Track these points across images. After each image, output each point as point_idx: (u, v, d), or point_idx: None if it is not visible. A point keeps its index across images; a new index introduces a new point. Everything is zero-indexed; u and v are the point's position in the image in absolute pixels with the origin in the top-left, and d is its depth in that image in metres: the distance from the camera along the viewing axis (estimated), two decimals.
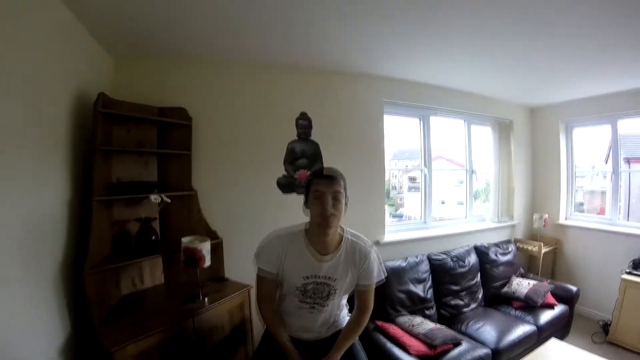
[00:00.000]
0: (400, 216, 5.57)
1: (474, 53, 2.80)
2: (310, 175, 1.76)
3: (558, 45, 2.59)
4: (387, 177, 3.80)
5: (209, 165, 2.75)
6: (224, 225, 2.68)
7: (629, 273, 3.63)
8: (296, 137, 3.01)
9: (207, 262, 2.16)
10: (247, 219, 2.88)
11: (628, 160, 4.36)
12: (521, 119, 4.88)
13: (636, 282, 3.50)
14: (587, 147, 4.84)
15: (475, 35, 2.42)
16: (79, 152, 2.04)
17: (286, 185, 2.97)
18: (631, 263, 3.72)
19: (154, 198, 2.18)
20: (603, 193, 5.18)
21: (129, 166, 2.39)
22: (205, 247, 2.15)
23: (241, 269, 2.43)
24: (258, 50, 2.64)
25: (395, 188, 5.81)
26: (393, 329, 2.85)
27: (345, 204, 1.67)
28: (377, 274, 1.80)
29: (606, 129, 4.41)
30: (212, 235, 2.49)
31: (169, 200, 2.25)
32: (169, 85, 2.66)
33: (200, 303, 2.14)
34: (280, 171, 2.92)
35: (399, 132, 4.16)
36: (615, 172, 4.32)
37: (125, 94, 2.40)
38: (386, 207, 3.84)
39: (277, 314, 1.82)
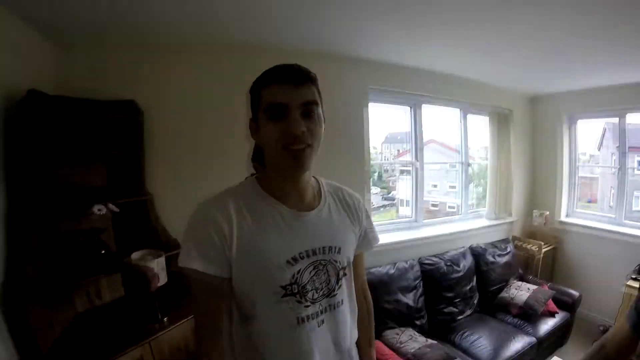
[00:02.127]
0: (392, 199, 5.52)
1: (471, 34, 2.57)
2: (258, 80, 1.00)
3: (563, 29, 2.39)
4: (378, 161, 3.57)
5: (167, 165, 2.49)
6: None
7: (635, 279, 3.44)
8: None
9: (162, 281, 1.96)
10: None
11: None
12: (521, 109, 4.70)
13: None
14: (580, 133, 4.73)
15: (471, 14, 2.21)
16: (14, 160, 1.82)
17: None
18: (638, 267, 3.54)
19: (98, 209, 1.95)
20: (594, 180, 5.09)
21: (73, 171, 2.12)
22: (160, 264, 1.94)
23: None
24: (224, 30, 2.37)
25: (387, 171, 5.67)
26: (379, 346, 2.65)
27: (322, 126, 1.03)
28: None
29: (612, 122, 4.24)
30: (172, 244, 2.29)
31: (116, 210, 2.03)
32: (118, 77, 2.37)
33: (159, 324, 1.98)
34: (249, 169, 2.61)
35: (389, 116, 4.03)
36: (622, 168, 4.14)
37: (70, 88, 2.13)
38: (378, 189, 3.65)
39: None
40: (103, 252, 2.06)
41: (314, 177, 1.16)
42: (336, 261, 1.08)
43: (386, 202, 5.03)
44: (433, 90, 3.72)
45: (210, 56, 2.62)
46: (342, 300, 1.11)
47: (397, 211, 5.83)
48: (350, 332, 1.16)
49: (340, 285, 1.10)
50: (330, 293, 1.07)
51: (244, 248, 0.96)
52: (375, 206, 4.60)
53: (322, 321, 1.06)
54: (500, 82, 4.12)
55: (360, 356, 1.27)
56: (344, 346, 1.13)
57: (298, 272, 1.01)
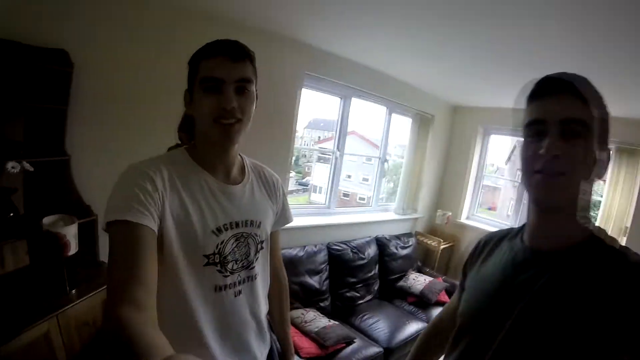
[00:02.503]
0: (305, 185, 5.56)
1: (406, 36, 2.69)
2: (197, 53, 1.04)
3: (488, 51, 2.62)
4: (298, 145, 3.65)
5: (89, 125, 2.30)
6: (102, 198, 2.29)
7: None
8: None
9: (73, 249, 1.86)
10: None
11: None
12: (442, 116, 5.02)
13: None
14: (491, 146, 5.21)
15: (408, 20, 2.34)
16: None
17: None
18: None
19: (11, 167, 1.79)
20: (498, 190, 5.63)
21: None
22: (71, 231, 1.83)
23: None
24: None
25: (305, 156, 5.74)
26: None
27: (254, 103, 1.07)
28: None
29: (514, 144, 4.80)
30: (84, 211, 2.17)
31: (31, 169, 1.88)
32: (51, 22, 2.12)
33: (67, 297, 1.84)
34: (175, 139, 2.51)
35: (316, 102, 4.04)
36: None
37: None
38: (293, 173, 3.71)
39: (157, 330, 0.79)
40: (11, 214, 1.88)
41: (239, 154, 1.19)
42: (256, 235, 1.14)
43: (299, 187, 5.10)
44: (365, 85, 3.84)
45: (151, 19, 2.46)
46: (258, 273, 1.16)
47: (310, 197, 5.95)
48: (264, 305, 1.23)
49: (258, 258, 1.15)
50: (249, 265, 1.12)
51: (173, 213, 0.96)
52: (288, 189, 4.71)
53: (240, 291, 1.10)
54: (428, 88, 4.39)
55: (275, 332, 1.37)
56: (259, 317, 1.19)
57: (222, 242, 1.04)
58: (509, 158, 5.99)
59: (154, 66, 2.50)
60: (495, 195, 5.46)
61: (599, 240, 0.77)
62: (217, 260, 1.04)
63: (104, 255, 2.24)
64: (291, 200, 4.40)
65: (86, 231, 2.08)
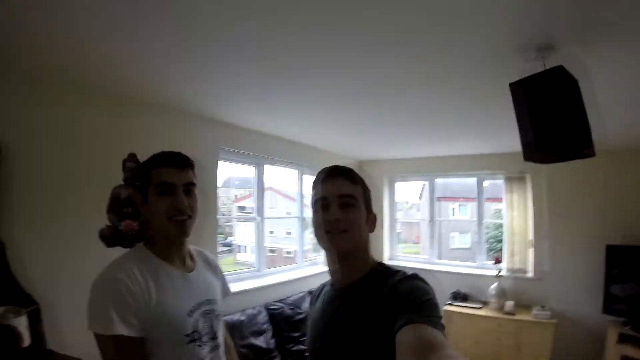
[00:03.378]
0: (229, 245, 5.53)
1: (314, 108, 3.07)
2: (145, 164, 1.33)
3: (383, 112, 3.10)
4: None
5: (23, 212, 2.27)
6: (43, 285, 2.24)
7: (450, 304, 4.60)
8: (122, 182, 2.61)
9: (27, 341, 1.81)
10: (72, 277, 2.34)
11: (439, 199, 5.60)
12: None
13: (457, 312, 4.47)
14: (399, 191, 5.91)
15: (315, 93, 2.69)
16: None
17: (111, 237, 2.52)
18: (451, 294, 4.70)
19: None
20: (417, 224, 6.21)
21: None
22: (22, 322, 1.79)
23: (67, 338, 2.16)
24: (91, 75, 2.35)
25: (225, 214, 5.76)
26: None
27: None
28: None
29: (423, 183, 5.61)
30: (26, 300, 2.09)
31: None
32: None
33: None
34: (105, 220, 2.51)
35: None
36: (432, 220, 5.41)
37: None
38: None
39: None
40: None
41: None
42: (215, 310, 1.34)
43: (224, 248, 5.10)
44: (276, 153, 4.21)
45: (79, 100, 2.53)
46: (221, 342, 1.35)
47: (235, 257, 5.90)
48: None
49: (219, 329, 1.35)
50: (214, 335, 1.31)
51: (152, 306, 1.12)
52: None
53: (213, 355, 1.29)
54: (334, 148, 4.93)
55: None
56: None
57: (195, 321, 1.23)
58: (421, 194, 6.74)
59: (83, 150, 2.56)
60: (418, 229, 6.01)
61: (380, 270, 1.09)
62: (197, 337, 1.22)
63: (52, 344, 2.17)
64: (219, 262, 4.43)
65: (31, 321, 1.98)
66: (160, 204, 1.21)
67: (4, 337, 1.74)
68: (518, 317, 4.16)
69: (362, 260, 1.11)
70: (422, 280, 0.99)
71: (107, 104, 2.69)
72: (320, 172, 1.15)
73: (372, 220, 1.15)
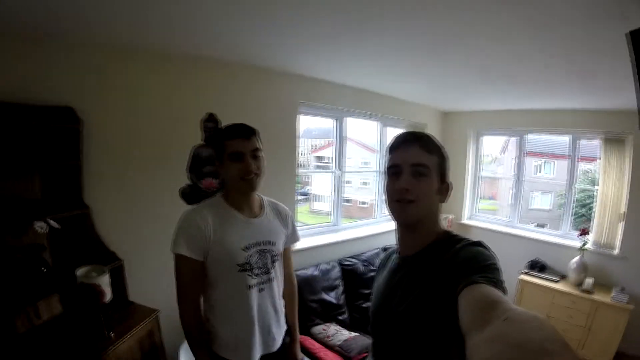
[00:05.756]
0: (306, 194, 5.61)
1: (394, 58, 2.80)
2: (219, 135, 1.64)
3: (474, 62, 2.75)
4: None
5: (105, 176, 2.41)
6: (126, 243, 2.42)
7: (526, 273, 4.20)
8: (202, 142, 2.70)
9: (109, 296, 1.97)
10: (152, 235, 2.55)
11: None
12: (434, 123, 5.18)
13: (532, 282, 4.11)
14: (485, 144, 5.42)
15: (395, 43, 2.40)
16: None
17: (191, 195, 2.62)
18: (528, 263, 4.30)
19: (39, 227, 1.87)
20: (497, 180, 5.78)
21: (6, 184, 1.94)
22: (105, 280, 1.95)
23: (147, 291, 2.34)
24: (161, 39, 2.33)
25: (302, 165, 5.83)
26: (309, 342, 2.92)
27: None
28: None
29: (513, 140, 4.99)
30: (110, 257, 2.28)
31: (58, 226, 1.95)
32: (55, 79, 2.19)
33: (106, 340, 1.93)
34: (184, 179, 2.58)
35: None
36: (519, 180, 4.90)
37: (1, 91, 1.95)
38: None
39: (202, 330, 1.60)
40: (44, 270, 1.93)
41: (258, 195, 1.73)
42: (272, 250, 1.67)
43: (300, 197, 5.18)
44: (356, 105, 4.01)
45: (152, 65, 2.56)
46: (274, 277, 1.67)
47: (311, 206, 5.98)
48: (280, 300, 1.75)
49: (274, 266, 1.67)
50: (267, 271, 1.65)
51: (215, 240, 1.52)
52: None
53: (262, 289, 1.63)
54: (418, 99, 4.57)
55: (287, 320, 1.85)
56: (278, 308, 1.72)
57: (249, 255, 1.58)
58: (504, 148, 6.19)
59: (157, 113, 2.61)
60: (494, 185, 5.61)
61: (445, 239, 1.07)
62: (247, 268, 1.58)
63: (133, 295, 2.38)
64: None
65: (115, 276, 2.17)
66: (232, 168, 1.54)
67: (88, 293, 1.92)
68: (596, 296, 3.73)
69: (427, 230, 1.10)
70: (486, 247, 1.00)
71: (183, 66, 2.69)
72: (395, 138, 1.13)
73: (445, 190, 1.12)
